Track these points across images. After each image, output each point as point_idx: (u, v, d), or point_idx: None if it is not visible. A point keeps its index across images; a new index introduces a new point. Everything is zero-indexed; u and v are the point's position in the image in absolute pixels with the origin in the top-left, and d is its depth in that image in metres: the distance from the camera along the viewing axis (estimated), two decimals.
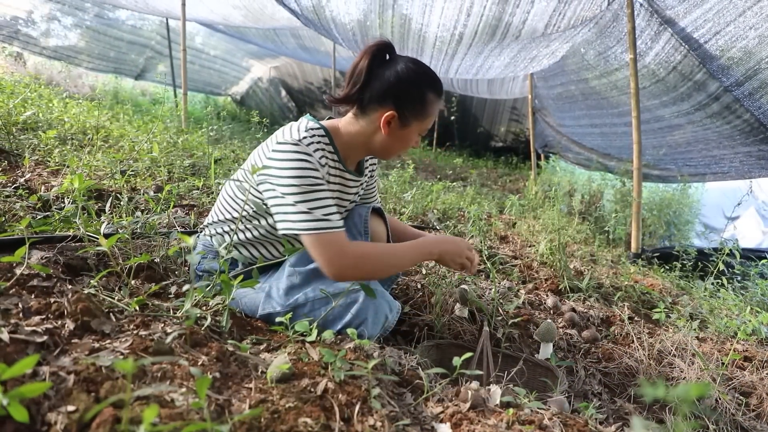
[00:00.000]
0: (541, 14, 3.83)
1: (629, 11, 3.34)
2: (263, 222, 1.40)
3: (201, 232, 1.56)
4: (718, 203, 5.95)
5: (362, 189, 1.62)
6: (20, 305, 0.99)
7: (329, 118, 1.50)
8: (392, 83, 1.35)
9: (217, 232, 1.49)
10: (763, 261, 2.65)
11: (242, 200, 1.41)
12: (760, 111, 3.51)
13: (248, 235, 1.44)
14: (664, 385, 0.53)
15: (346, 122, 1.43)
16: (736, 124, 3.86)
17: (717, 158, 4.54)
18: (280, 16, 5.46)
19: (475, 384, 1.10)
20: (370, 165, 1.66)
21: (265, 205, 1.34)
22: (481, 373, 1.31)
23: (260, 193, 1.34)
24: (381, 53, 1.37)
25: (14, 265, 1.16)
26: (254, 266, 1.36)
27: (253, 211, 1.40)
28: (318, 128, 1.38)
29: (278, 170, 1.26)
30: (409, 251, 1.36)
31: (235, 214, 1.44)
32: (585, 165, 6.43)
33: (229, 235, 1.44)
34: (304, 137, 1.32)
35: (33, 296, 1.07)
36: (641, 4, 3.48)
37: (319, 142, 1.36)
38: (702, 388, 0.52)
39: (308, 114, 1.45)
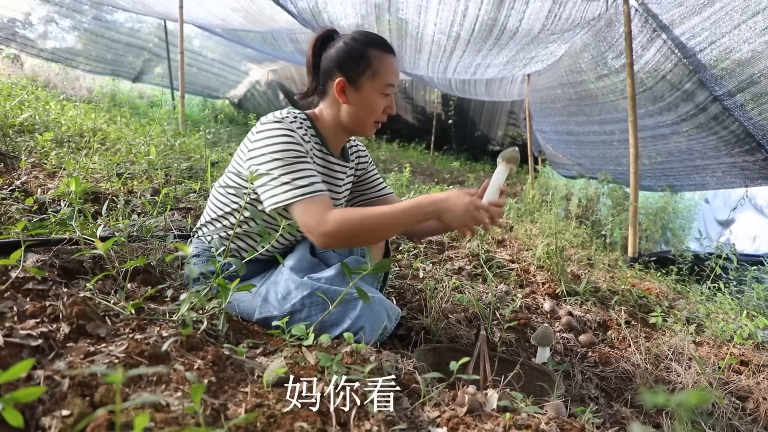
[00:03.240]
0: (537, 14, 3.85)
1: (625, 16, 3.35)
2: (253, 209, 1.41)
3: (194, 235, 1.56)
4: (712, 208, 5.97)
5: (355, 177, 1.66)
6: (15, 308, 0.98)
7: None
8: (333, 56, 1.41)
9: (213, 227, 1.50)
10: (756, 266, 2.66)
11: (232, 193, 1.44)
12: (750, 122, 3.51)
13: (244, 227, 1.46)
14: (665, 392, 0.53)
15: (320, 110, 1.49)
16: (722, 135, 3.85)
17: (699, 168, 4.52)
18: (280, 18, 5.46)
19: (472, 388, 1.10)
20: (357, 152, 1.68)
21: (256, 193, 1.34)
22: (478, 377, 1.31)
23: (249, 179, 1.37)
24: (324, 38, 1.44)
25: (9, 268, 1.15)
26: (246, 259, 1.34)
27: (245, 202, 1.41)
28: (300, 113, 1.43)
29: (262, 148, 1.30)
30: (398, 212, 1.24)
31: (227, 210, 1.46)
32: (570, 176, 6.41)
33: (225, 231, 1.46)
34: (286, 116, 1.36)
35: (28, 299, 1.06)
36: (636, 9, 3.49)
37: (301, 124, 1.40)
38: (702, 395, 0.52)
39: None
